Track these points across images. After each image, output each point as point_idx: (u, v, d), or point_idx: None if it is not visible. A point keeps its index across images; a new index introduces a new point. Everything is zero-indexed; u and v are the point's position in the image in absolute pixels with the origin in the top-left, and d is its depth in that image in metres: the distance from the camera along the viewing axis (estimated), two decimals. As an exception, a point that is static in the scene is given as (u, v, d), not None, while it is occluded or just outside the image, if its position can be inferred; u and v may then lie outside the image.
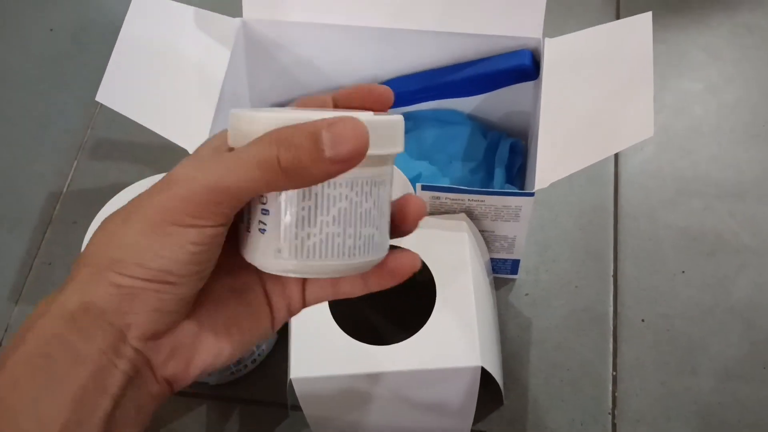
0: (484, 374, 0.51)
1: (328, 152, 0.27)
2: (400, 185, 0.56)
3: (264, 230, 0.30)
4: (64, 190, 0.73)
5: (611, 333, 0.63)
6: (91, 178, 0.73)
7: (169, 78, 0.57)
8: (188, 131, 0.54)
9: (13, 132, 0.77)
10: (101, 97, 0.55)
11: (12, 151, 0.76)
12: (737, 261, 0.65)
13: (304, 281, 0.34)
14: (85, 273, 0.29)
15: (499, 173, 0.64)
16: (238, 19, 0.61)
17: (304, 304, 0.34)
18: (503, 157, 0.65)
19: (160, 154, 0.73)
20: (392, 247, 0.32)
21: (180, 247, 0.28)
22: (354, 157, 0.27)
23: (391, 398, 0.53)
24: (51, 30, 0.83)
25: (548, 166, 0.52)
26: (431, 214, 0.57)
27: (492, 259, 0.62)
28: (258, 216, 0.30)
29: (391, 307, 0.64)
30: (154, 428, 0.60)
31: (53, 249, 0.70)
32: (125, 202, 0.30)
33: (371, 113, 0.30)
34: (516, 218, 0.56)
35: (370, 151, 0.28)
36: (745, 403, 0.59)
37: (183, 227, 0.28)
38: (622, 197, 0.69)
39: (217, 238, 0.29)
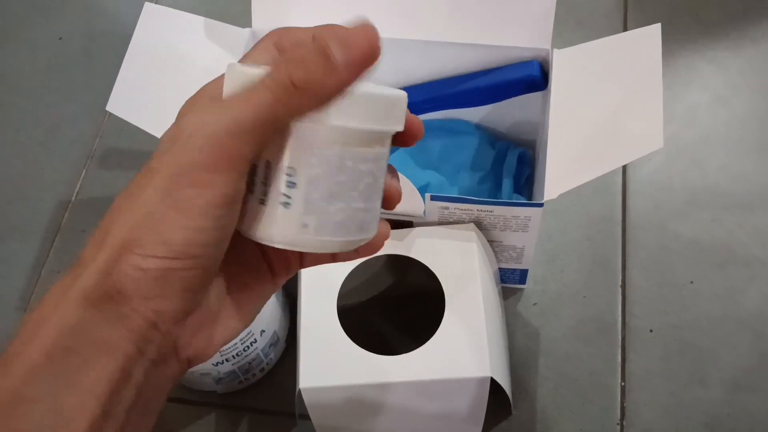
0: (493, 384, 0.51)
1: (340, 57, 0.26)
2: (408, 194, 0.56)
3: (288, 204, 0.28)
4: (73, 198, 0.73)
5: (620, 343, 0.62)
6: (100, 187, 0.73)
7: (179, 88, 0.57)
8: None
9: (22, 141, 0.77)
10: (111, 106, 0.55)
11: (21, 159, 0.76)
12: (747, 272, 0.65)
13: None
14: (103, 255, 0.27)
15: (506, 183, 0.64)
16: (247, 30, 0.61)
17: (302, 267, 0.34)
18: (511, 168, 0.65)
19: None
20: None
21: (203, 214, 0.26)
22: (368, 58, 0.27)
23: (400, 408, 0.53)
24: (60, 39, 0.84)
25: (557, 177, 0.52)
26: (440, 224, 0.57)
27: (500, 269, 0.62)
28: (282, 188, 0.28)
29: (400, 317, 0.64)
30: (162, 437, 0.60)
31: (62, 258, 0.70)
32: None
33: (374, 84, 0.29)
34: (525, 229, 0.56)
35: (382, 127, 0.28)
36: (754, 414, 0.59)
37: (202, 189, 0.26)
38: (631, 207, 0.69)
39: (238, 195, 0.27)
